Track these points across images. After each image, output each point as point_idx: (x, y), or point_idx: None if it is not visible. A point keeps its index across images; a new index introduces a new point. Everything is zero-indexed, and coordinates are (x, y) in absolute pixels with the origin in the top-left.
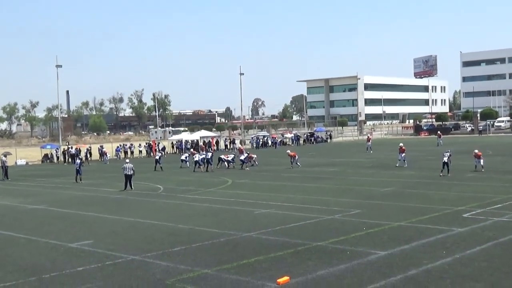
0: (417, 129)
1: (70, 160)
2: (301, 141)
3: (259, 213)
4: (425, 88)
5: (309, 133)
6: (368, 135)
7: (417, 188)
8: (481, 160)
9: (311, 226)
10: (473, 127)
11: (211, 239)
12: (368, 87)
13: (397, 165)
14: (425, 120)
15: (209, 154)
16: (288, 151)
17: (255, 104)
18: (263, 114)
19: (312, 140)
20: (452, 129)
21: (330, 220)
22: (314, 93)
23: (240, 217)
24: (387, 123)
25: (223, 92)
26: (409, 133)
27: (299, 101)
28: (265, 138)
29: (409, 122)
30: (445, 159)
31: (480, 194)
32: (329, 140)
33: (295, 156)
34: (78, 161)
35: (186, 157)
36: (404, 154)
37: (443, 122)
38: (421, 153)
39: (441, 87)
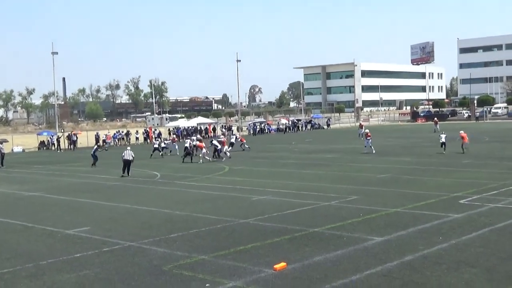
0: (414, 115)
1: (71, 146)
2: (298, 127)
3: (256, 199)
4: (422, 75)
5: (307, 120)
6: (361, 121)
7: (413, 174)
8: (467, 143)
9: (308, 212)
10: (470, 114)
11: (208, 226)
12: (365, 73)
13: (364, 151)
14: (422, 106)
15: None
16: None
17: (252, 90)
18: (260, 100)
19: (296, 128)
20: (449, 116)
21: (327, 206)
22: (311, 79)
23: (237, 203)
24: (384, 110)
25: (220, 79)
26: (406, 120)
27: (296, 88)
28: (262, 125)
29: (406, 108)
30: (443, 139)
31: (476, 180)
32: (326, 127)
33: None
34: (95, 146)
35: (166, 144)
36: (370, 139)
37: (440, 109)
38: (417, 139)
39: (438, 73)
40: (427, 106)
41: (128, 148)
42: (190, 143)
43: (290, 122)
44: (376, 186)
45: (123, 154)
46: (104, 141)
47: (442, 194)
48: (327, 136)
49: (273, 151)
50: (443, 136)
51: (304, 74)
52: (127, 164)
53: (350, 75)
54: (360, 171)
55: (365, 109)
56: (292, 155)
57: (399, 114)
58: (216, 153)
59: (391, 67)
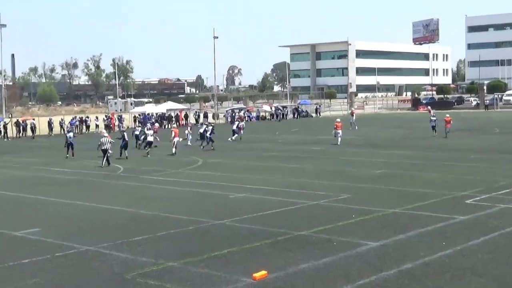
0: (416, 102)
1: (22, 134)
2: (283, 115)
3: (234, 197)
4: (425, 56)
5: (293, 106)
6: (353, 109)
7: (414, 170)
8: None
9: (293, 213)
10: (478, 101)
11: (177, 227)
12: (360, 54)
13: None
14: (424, 92)
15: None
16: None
17: (231, 72)
18: (239, 84)
19: (280, 115)
20: (455, 103)
21: (315, 206)
22: (298, 60)
23: (211, 201)
24: (382, 96)
25: (194, 58)
26: (406, 107)
27: (281, 70)
28: (242, 112)
29: (406, 94)
30: (433, 123)
31: (485, 178)
32: (315, 115)
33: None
34: (70, 134)
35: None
36: (340, 130)
37: (445, 95)
38: (419, 130)
39: (443, 55)
40: (431, 92)
41: (105, 134)
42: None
43: (273, 109)
44: (371, 183)
45: (100, 142)
46: (53, 127)
47: (446, 193)
48: (316, 125)
49: (254, 142)
50: (433, 118)
51: (291, 54)
52: (105, 153)
53: (343, 55)
54: (353, 166)
55: (359, 94)
56: (276, 146)
57: (399, 101)
58: (206, 140)
59: (390, 47)
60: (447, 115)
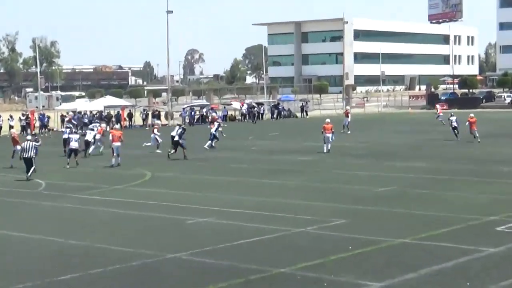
0: (432, 99)
1: None
2: (258, 115)
3: (193, 223)
4: (444, 39)
5: (271, 104)
6: (347, 108)
7: (429, 187)
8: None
9: (271, 244)
10: None
11: (118, 262)
12: (360, 35)
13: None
14: (443, 86)
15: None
16: None
17: (190, 58)
18: (201, 73)
19: (255, 115)
20: (483, 101)
21: (300, 234)
22: (278, 43)
23: (163, 228)
24: (388, 90)
25: (141, 40)
26: (420, 105)
27: (255, 55)
28: (204, 110)
29: (420, 88)
30: (454, 123)
31: None
32: (300, 114)
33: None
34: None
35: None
36: (330, 134)
37: (471, 90)
38: (435, 135)
39: (468, 37)
40: (451, 86)
41: (28, 137)
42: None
43: (246, 107)
44: (374, 205)
45: (22, 148)
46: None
47: (470, 217)
48: (302, 128)
49: (220, 149)
50: (453, 118)
51: (269, 35)
52: (29, 163)
53: (337, 37)
54: (350, 182)
55: (358, 88)
56: (249, 156)
57: (410, 97)
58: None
59: (399, 27)
60: (471, 115)
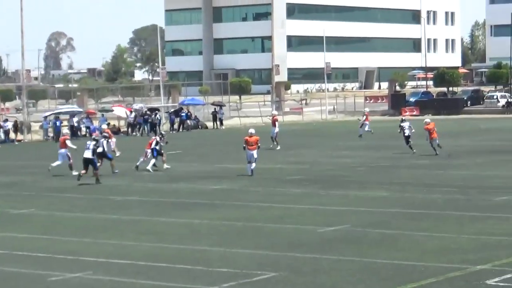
0: (397, 101)
1: None
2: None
3: (58, 280)
4: (413, 16)
5: (171, 110)
6: (274, 114)
7: (393, 225)
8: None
9: None
10: (509, 99)
11: None
12: (295, 11)
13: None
14: (413, 83)
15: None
16: None
17: (54, 45)
18: (70, 67)
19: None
20: (468, 103)
21: None
22: (180, 23)
23: None
24: (335, 89)
25: None
26: (380, 111)
27: (147, 41)
28: (75, 120)
29: (380, 87)
30: (407, 131)
31: None
32: (213, 124)
33: None
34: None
35: None
36: (254, 151)
37: (450, 88)
38: (399, 151)
39: (447, 13)
40: (424, 83)
41: None
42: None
43: (134, 114)
44: (318, 251)
45: None
46: None
47: (450, 266)
48: (215, 143)
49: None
50: (405, 125)
51: (166, 11)
52: None
53: (262, 14)
54: (283, 220)
55: (294, 87)
56: (139, 184)
57: (366, 98)
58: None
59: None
60: (427, 120)
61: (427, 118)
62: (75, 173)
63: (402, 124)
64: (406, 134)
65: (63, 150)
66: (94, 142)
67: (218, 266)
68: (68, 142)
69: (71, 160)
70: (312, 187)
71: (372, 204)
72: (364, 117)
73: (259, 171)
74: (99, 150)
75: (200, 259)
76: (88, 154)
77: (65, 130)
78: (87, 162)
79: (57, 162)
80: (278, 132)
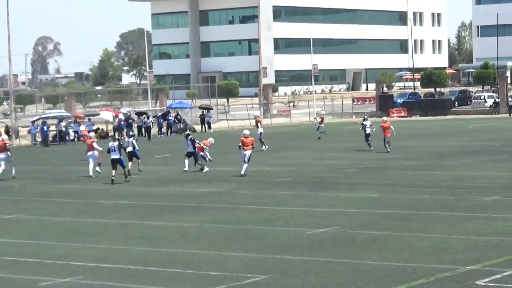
0: (385, 102)
1: None
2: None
3: (49, 285)
4: (400, 18)
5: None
6: (257, 115)
7: (383, 227)
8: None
9: None
10: (497, 100)
11: None
12: (282, 13)
13: (242, 173)
14: (400, 84)
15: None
16: None
17: (41, 49)
18: (57, 71)
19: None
20: (456, 103)
21: None
22: (167, 26)
23: None
24: (323, 91)
25: None
26: (369, 112)
27: (134, 45)
28: (63, 124)
29: (367, 88)
30: (368, 129)
31: (510, 238)
32: (201, 127)
33: None
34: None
35: None
36: (249, 152)
37: (438, 89)
38: (388, 153)
39: (433, 15)
40: (411, 84)
41: None
42: None
43: (121, 118)
44: (306, 254)
45: None
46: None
47: (440, 267)
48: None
49: (84, 180)
50: (367, 123)
51: (153, 15)
52: None
53: (249, 16)
54: (273, 222)
55: (281, 89)
56: (128, 188)
57: (354, 100)
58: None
59: (336, 1)
60: (385, 118)
61: (385, 117)
62: (98, 169)
63: (364, 123)
64: (367, 132)
65: (91, 152)
66: (116, 143)
67: (208, 269)
68: (95, 145)
69: (100, 159)
70: (301, 189)
71: (361, 205)
72: (320, 119)
73: (247, 173)
74: (129, 149)
75: (190, 263)
76: (115, 155)
77: (92, 133)
78: (115, 162)
79: (91, 164)
80: (263, 133)
